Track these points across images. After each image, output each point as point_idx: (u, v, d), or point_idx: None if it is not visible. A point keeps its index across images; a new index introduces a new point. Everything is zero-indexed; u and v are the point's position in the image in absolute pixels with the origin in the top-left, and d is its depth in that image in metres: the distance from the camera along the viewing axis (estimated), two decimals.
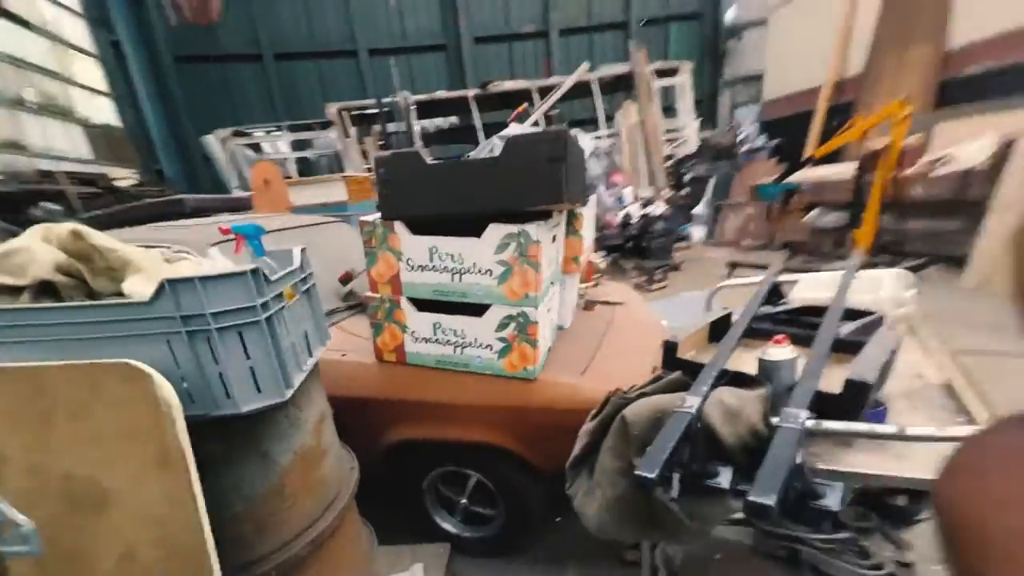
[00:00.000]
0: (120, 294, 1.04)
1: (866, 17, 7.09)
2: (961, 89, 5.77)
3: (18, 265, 0.98)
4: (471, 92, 11.78)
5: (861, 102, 6.83)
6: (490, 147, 1.77)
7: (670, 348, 1.26)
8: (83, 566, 0.84)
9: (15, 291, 1.00)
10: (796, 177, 6.06)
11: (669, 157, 11.91)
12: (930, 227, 4.36)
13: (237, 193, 10.95)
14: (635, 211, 7.57)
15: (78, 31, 11.59)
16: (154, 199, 2.90)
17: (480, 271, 1.70)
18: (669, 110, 13.16)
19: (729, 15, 15.60)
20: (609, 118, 12.44)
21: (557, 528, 2.22)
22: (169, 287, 0.96)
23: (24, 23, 9.80)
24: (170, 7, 13.30)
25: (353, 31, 14.30)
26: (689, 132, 12.78)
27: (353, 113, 11.50)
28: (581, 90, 13.75)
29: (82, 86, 11.24)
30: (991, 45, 5.63)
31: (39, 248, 0.99)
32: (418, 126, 11.71)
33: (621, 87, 13.50)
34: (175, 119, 13.29)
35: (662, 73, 12.71)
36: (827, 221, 5.81)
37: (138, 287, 1.02)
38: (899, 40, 6.52)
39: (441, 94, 12.08)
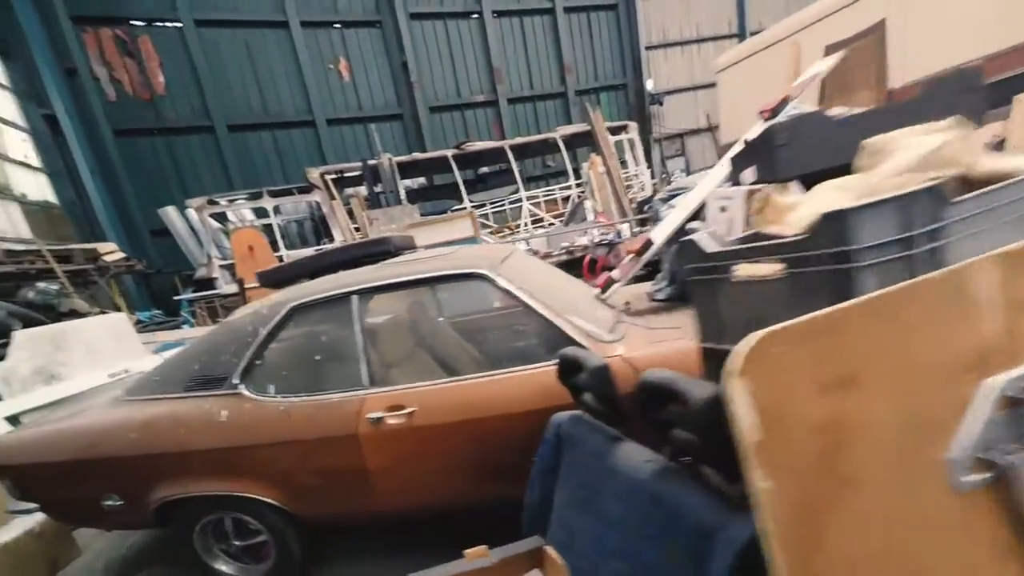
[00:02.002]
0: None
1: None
2: None
3: (948, 157, 1.01)
4: (449, 152, 12.21)
5: None
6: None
7: None
8: None
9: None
10: None
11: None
12: None
13: (217, 261, 10.16)
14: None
15: (6, 104, 10.48)
16: (360, 242, 2.78)
17: None
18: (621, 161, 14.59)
19: (649, 85, 17.93)
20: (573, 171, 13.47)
21: None
22: None
23: None
24: (109, 82, 12.52)
25: (309, 103, 14.35)
26: (644, 178, 14.16)
27: (331, 177, 11.35)
28: (535, 149, 14.85)
29: (15, 161, 10.03)
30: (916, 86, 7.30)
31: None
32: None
33: (576, 144, 14.77)
34: (118, 193, 12.15)
35: (612, 131, 14.16)
36: None
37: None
38: (845, 89, 8.08)
39: (419, 155, 12.38)
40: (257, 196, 11.04)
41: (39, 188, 10.66)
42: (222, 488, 2.20)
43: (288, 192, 11.28)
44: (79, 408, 2.52)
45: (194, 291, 10.08)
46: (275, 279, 2.78)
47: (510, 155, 12.58)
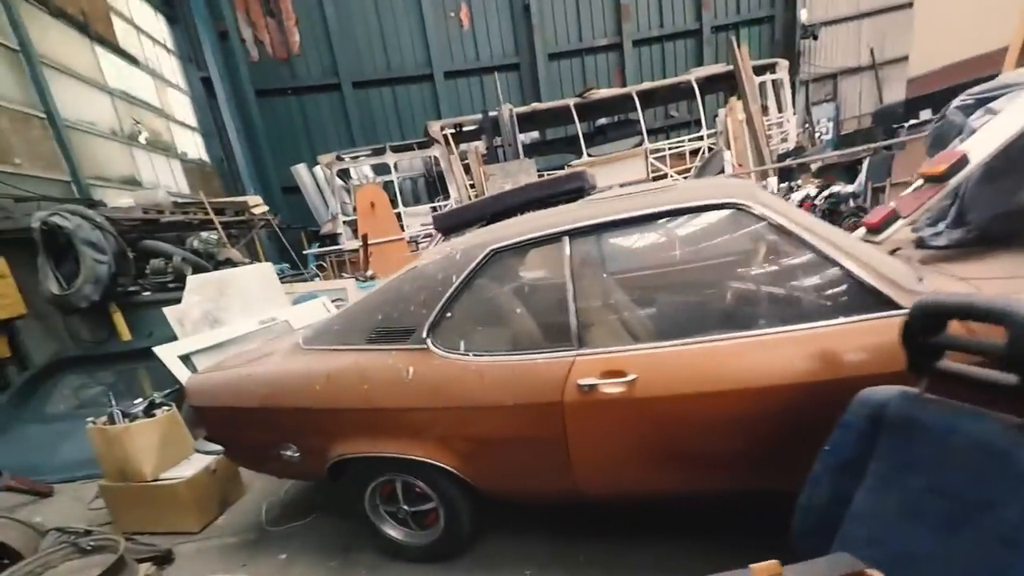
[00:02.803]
0: None
1: None
2: None
3: None
4: (571, 100, 11.42)
5: None
6: None
7: None
8: None
9: None
10: None
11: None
12: None
13: (341, 217, 10.59)
14: (813, 192, 7.91)
15: (173, 68, 11.57)
16: (550, 179, 2.34)
17: None
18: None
19: (803, 15, 15.34)
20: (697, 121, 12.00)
21: None
22: None
23: (133, 60, 9.72)
24: (253, 43, 13.34)
25: (429, 56, 14.23)
26: (788, 127, 12.29)
27: (449, 131, 11.17)
28: (662, 96, 13.45)
29: (180, 122, 11.12)
30: None
31: None
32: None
33: (707, 89, 13.15)
34: (257, 151, 13.13)
35: (757, 71, 12.31)
36: None
37: None
38: None
39: (538, 105, 11.75)
40: (380, 152, 11.22)
41: (196, 147, 11.77)
42: (401, 451, 1.95)
43: (408, 147, 11.32)
44: (263, 352, 2.41)
45: (319, 246, 10.61)
46: (450, 223, 2.44)
47: (637, 102, 11.45)
